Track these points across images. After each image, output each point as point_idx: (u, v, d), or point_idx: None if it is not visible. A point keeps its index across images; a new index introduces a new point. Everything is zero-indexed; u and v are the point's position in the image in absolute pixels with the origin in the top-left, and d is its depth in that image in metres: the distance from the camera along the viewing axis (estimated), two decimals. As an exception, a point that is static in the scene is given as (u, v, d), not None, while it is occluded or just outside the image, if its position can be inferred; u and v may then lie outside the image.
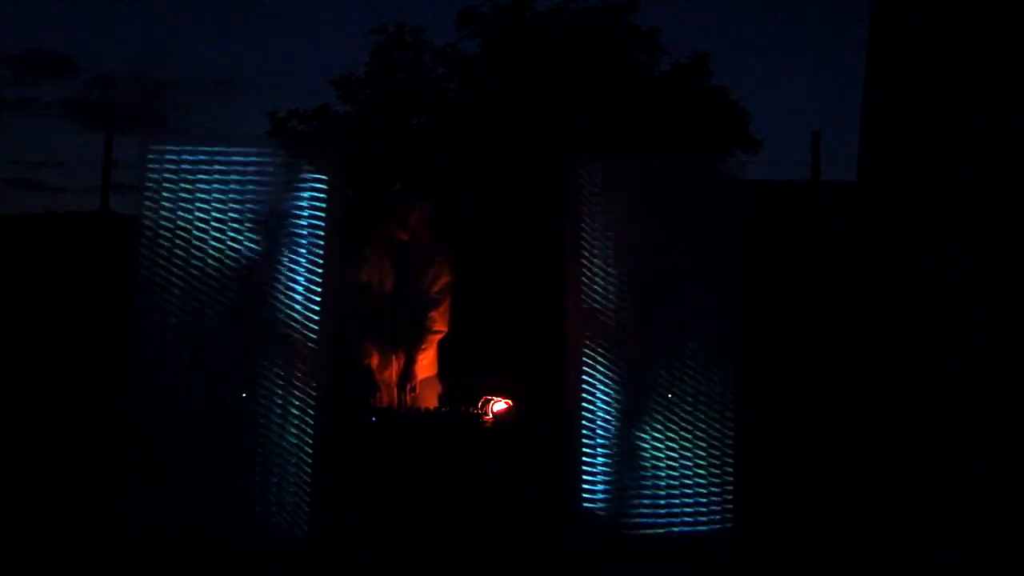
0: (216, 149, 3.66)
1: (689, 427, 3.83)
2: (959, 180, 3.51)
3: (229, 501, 3.53)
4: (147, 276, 3.57)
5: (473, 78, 9.79)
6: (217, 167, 3.65)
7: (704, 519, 3.81)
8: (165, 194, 3.62)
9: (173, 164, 3.64)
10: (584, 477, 3.74)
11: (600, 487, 3.76)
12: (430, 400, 4.27)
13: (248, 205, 3.64)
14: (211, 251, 3.61)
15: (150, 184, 3.62)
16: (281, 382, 3.60)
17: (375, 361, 4.20)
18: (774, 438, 4.15)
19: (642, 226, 3.84)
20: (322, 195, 3.66)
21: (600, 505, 3.76)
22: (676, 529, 3.79)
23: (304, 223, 3.65)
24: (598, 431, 3.78)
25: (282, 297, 3.62)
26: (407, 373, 4.17)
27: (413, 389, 4.16)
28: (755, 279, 3.94)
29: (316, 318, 3.61)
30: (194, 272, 3.58)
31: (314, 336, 3.61)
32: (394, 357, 4.20)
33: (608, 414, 3.78)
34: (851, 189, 4.26)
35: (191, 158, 3.65)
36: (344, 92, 10.22)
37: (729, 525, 3.82)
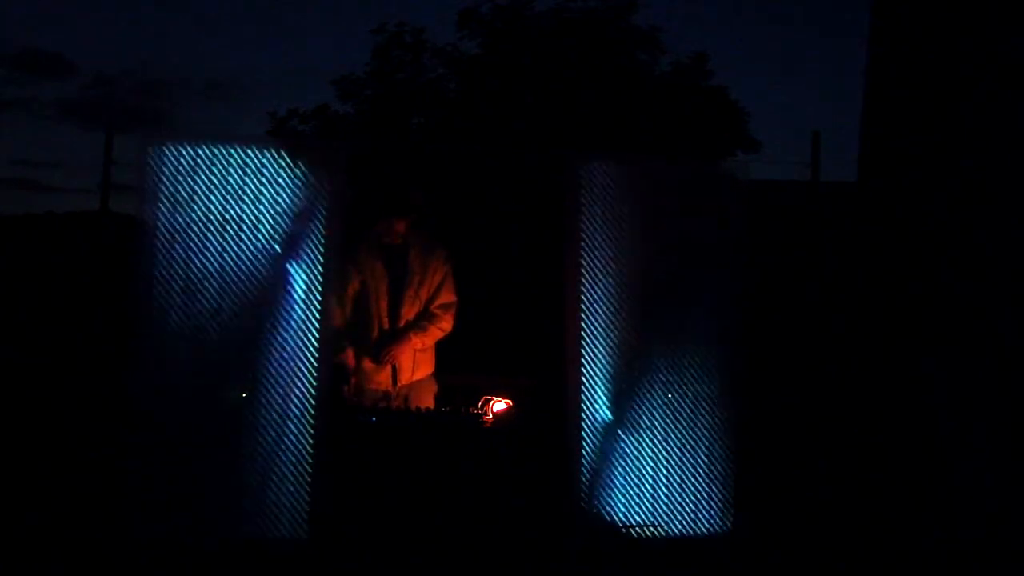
0: (216, 149, 3.66)
1: (689, 427, 3.82)
2: (959, 180, 3.51)
3: (229, 501, 3.53)
4: (147, 276, 3.57)
5: (473, 78, 9.81)
6: (217, 167, 3.65)
7: (704, 519, 3.81)
8: (165, 194, 3.61)
9: (173, 164, 3.63)
10: (584, 477, 3.74)
11: (600, 487, 3.75)
12: (427, 400, 4.26)
13: (248, 205, 3.64)
14: (211, 251, 3.60)
15: (150, 184, 3.61)
16: (281, 382, 3.60)
17: (350, 358, 4.20)
18: (774, 438, 4.15)
19: (642, 226, 3.84)
20: (322, 195, 3.66)
21: (599, 505, 3.75)
22: (676, 529, 3.79)
23: (304, 223, 3.65)
24: (598, 431, 3.78)
25: (282, 297, 3.62)
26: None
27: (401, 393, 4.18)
28: (755, 279, 3.94)
29: (316, 318, 3.61)
30: (194, 272, 3.58)
31: (314, 336, 3.60)
32: (384, 359, 4.20)
33: (608, 414, 3.78)
34: (851, 189, 4.26)
35: (191, 158, 3.64)
36: (344, 92, 10.25)
37: (729, 525, 3.81)
